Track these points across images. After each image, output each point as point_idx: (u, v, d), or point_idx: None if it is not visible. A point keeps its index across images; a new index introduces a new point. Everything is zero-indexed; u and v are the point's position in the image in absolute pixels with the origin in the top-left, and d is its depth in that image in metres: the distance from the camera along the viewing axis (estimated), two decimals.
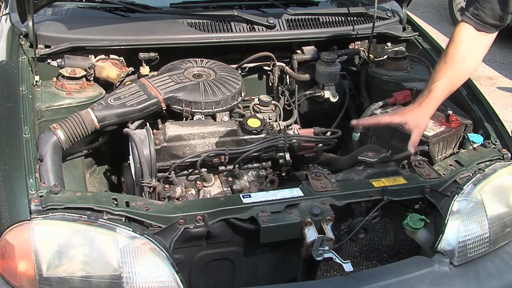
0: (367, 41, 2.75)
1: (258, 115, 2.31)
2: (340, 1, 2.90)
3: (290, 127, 2.21)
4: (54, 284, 1.50)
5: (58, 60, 2.27)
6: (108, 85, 2.34)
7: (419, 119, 1.90)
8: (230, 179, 1.99)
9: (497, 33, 1.92)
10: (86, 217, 1.55)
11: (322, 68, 2.54)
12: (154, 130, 1.98)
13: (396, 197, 1.81)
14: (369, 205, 1.81)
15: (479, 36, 1.90)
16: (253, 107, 2.45)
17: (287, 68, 2.66)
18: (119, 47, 2.35)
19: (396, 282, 1.71)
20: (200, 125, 2.02)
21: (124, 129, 1.99)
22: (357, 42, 2.77)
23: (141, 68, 2.38)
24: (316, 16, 2.63)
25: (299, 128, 2.23)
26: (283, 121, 2.47)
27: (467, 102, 2.28)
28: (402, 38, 2.75)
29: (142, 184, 1.87)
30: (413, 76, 2.51)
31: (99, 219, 1.56)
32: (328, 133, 2.24)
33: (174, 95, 2.12)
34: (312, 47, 2.67)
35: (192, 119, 2.13)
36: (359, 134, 2.41)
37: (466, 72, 1.97)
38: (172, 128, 1.97)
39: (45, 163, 1.79)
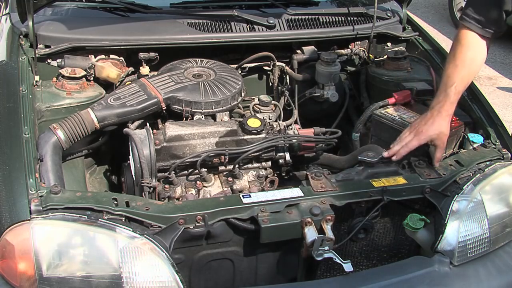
0: (367, 41, 2.75)
1: (258, 115, 2.30)
2: (340, 1, 2.90)
3: (290, 127, 2.21)
4: (54, 284, 1.50)
5: (58, 60, 2.27)
6: (108, 85, 2.34)
7: (442, 129, 1.91)
8: (230, 179, 1.99)
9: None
10: (86, 217, 1.55)
11: (322, 68, 2.54)
12: (154, 130, 1.98)
13: (396, 197, 1.81)
14: (369, 205, 1.81)
15: (481, 39, 1.92)
16: (253, 107, 2.45)
17: (287, 68, 2.66)
18: (119, 47, 2.35)
19: (396, 282, 1.71)
20: (200, 125, 2.02)
21: (124, 129, 1.99)
22: (357, 42, 2.77)
23: (141, 68, 2.37)
24: (316, 16, 2.63)
25: (299, 128, 2.23)
26: (283, 121, 2.47)
27: (467, 102, 2.28)
28: (402, 38, 2.75)
29: (142, 184, 1.87)
30: (413, 76, 2.51)
31: (99, 219, 1.56)
32: (328, 133, 2.24)
33: (174, 95, 2.12)
34: (312, 47, 2.67)
35: (192, 119, 2.13)
36: (359, 134, 2.41)
37: (475, 72, 1.99)
38: (172, 128, 1.97)
39: (45, 163, 1.79)
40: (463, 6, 6.97)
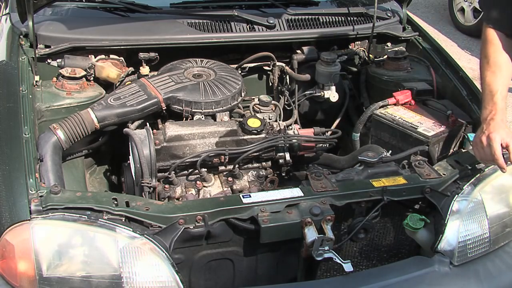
0: (367, 41, 2.75)
1: (258, 115, 2.31)
2: (340, 1, 2.90)
3: (290, 127, 2.21)
4: (54, 284, 1.50)
5: (58, 60, 2.27)
6: (108, 85, 2.34)
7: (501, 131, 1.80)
8: (230, 179, 1.99)
9: None
10: (86, 217, 1.55)
11: (322, 68, 2.54)
12: (154, 130, 1.98)
13: (396, 197, 1.81)
14: (369, 205, 1.81)
15: (509, 41, 1.91)
16: (253, 107, 2.45)
17: (287, 68, 2.66)
18: (119, 47, 2.35)
19: (396, 282, 1.71)
20: (200, 125, 2.02)
21: (124, 129, 1.99)
22: (357, 42, 2.77)
23: (141, 68, 2.38)
24: (316, 16, 2.63)
25: (299, 128, 2.23)
26: (283, 121, 2.47)
27: (467, 102, 2.28)
28: (402, 38, 2.75)
29: (142, 184, 1.87)
30: (413, 76, 2.51)
31: (99, 219, 1.56)
32: (328, 133, 2.24)
33: (174, 95, 2.12)
34: (312, 47, 2.67)
35: (192, 119, 2.13)
36: (359, 134, 2.41)
37: (510, 75, 1.95)
38: (172, 128, 1.97)
39: (45, 163, 1.79)
40: (463, 6, 6.88)
